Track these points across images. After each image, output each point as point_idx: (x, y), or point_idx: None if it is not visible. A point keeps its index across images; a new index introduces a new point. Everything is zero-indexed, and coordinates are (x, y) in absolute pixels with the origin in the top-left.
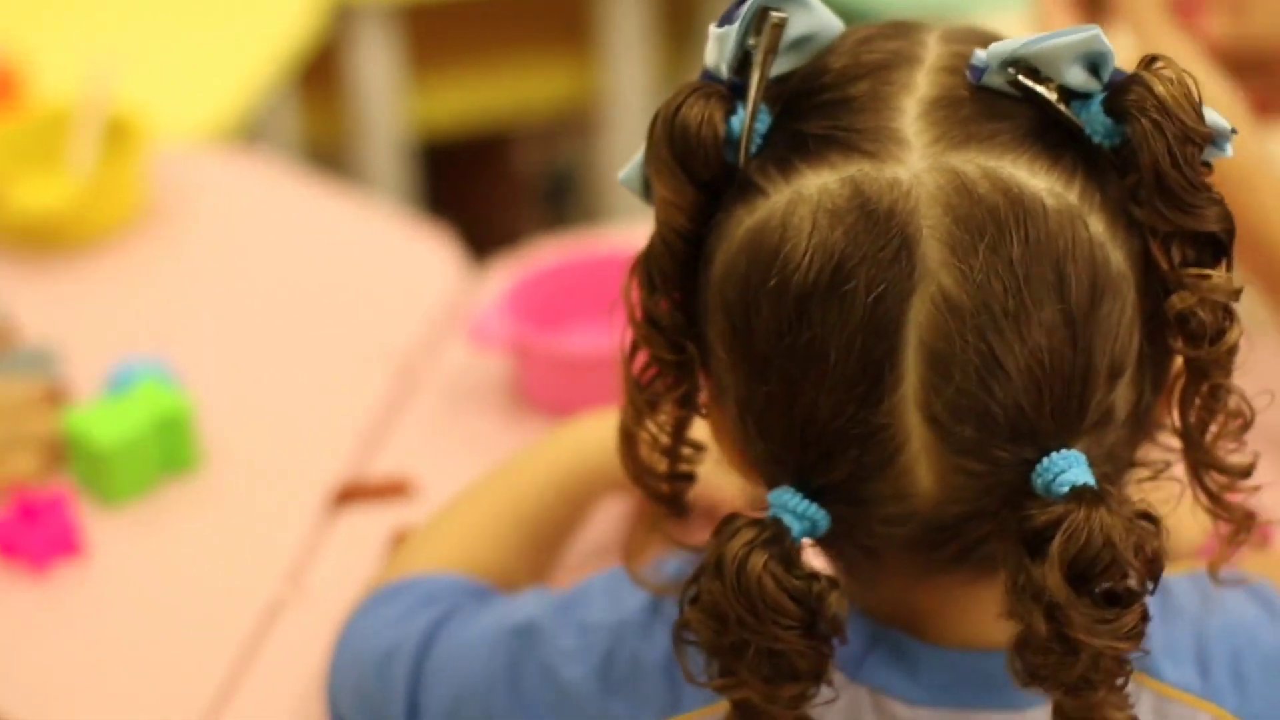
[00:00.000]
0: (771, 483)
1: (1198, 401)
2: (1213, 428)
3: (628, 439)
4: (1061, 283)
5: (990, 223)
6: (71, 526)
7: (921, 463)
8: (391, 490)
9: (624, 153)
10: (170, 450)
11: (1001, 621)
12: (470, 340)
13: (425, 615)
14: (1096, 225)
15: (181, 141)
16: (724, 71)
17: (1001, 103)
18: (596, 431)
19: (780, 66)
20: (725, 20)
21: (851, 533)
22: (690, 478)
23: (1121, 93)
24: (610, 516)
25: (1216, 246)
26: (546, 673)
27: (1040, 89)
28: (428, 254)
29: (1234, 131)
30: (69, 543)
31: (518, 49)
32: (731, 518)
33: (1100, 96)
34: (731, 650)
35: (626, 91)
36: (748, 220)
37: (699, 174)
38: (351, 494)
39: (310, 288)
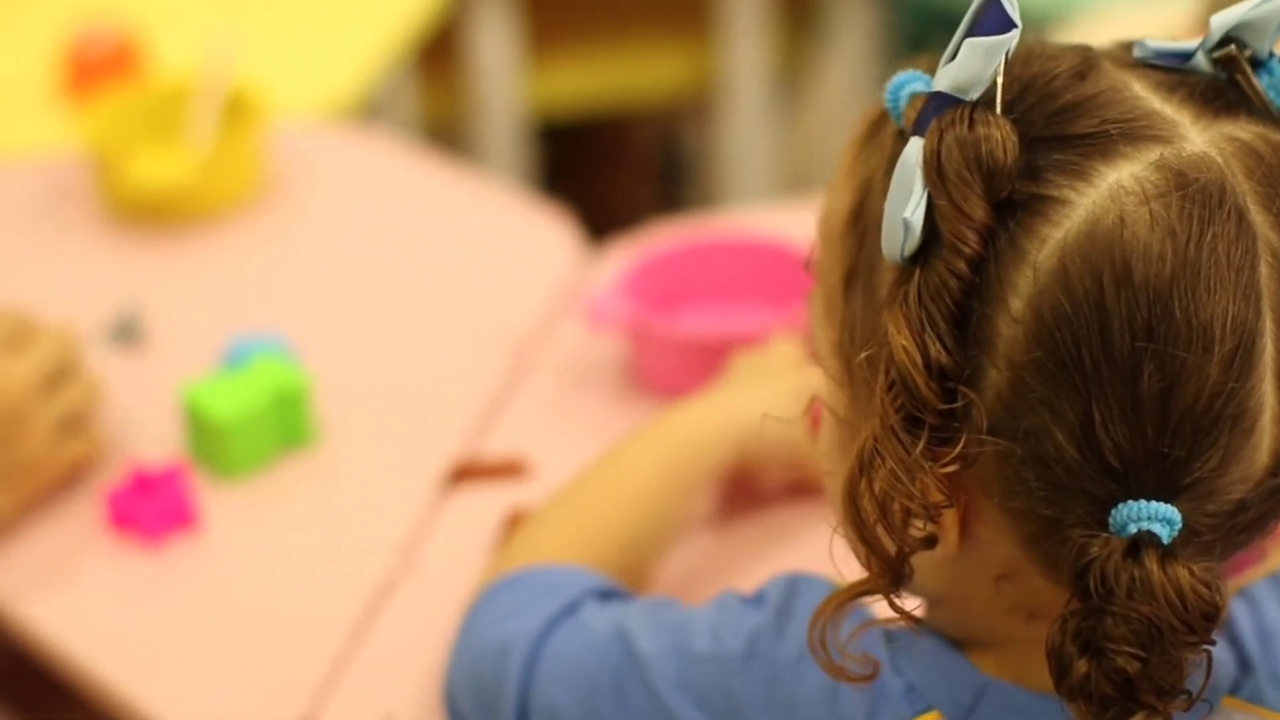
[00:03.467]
0: (1095, 509)
1: None
2: None
3: (882, 500)
4: None
5: None
6: (186, 500)
7: (1268, 435)
8: (506, 470)
9: (742, 136)
10: (286, 425)
11: None
12: (587, 321)
13: (544, 608)
14: None
15: (300, 118)
16: (974, 94)
17: (1200, 78)
18: (704, 415)
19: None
20: (979, 32)
21: (1192, 530)
22: (932, 542)
23: None
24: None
25: None
26: (650, 693)
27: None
28: (545, 234)
29: None
30: (183, 516)
31: (636, 30)
32: (1086, 545)
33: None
34: (1145, 679)
35: (744, 75)
36: (1059, 232)
37: (1000, 190)
38: (466, 473)
39: (427, 266)
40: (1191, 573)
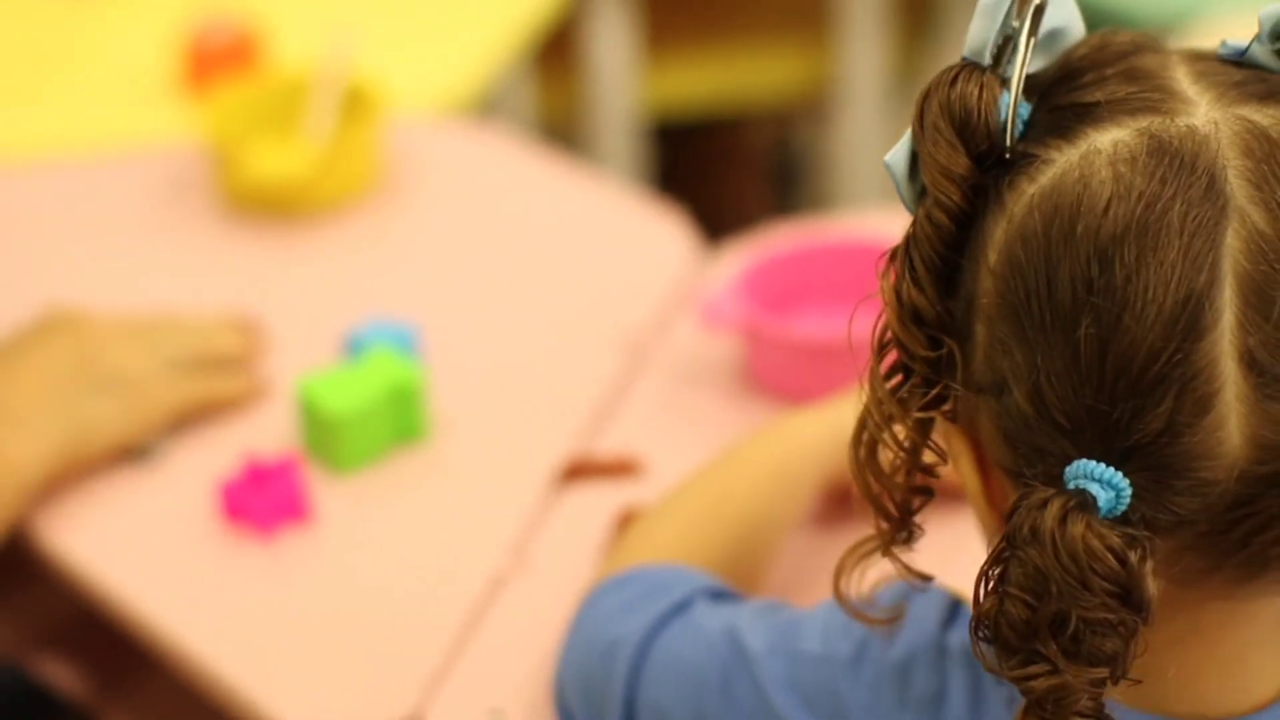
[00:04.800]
0: (1049, 472)
1: None
2: None
3: (869, 446)
4: None
5: None
6: (299, 492)
7: (1234, 415)
8: (619, 469)
9: (857, 139)
10: (401, 420)
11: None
12: (702, 321)
13: (652, 607)
14: None
15: (418, 113)
16: (986, 57)
17: (1258, 72)
18: (817, 424)
19: (1031, 62)
20: None
21: (1146, 509)
22: (929, 493)
23: None
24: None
25: None
26: (758, 692)
27: None
28: (660, 233)
29: None
30: (296, 508)
31: (753, 30)
32: (1027, 493)
33: None
34: (1045, 627)
35: (862, 78)
36: (1032, 187)
37: (977, 144)
38: (579, 471)
39: (542, 263)
40: (1101, 536)
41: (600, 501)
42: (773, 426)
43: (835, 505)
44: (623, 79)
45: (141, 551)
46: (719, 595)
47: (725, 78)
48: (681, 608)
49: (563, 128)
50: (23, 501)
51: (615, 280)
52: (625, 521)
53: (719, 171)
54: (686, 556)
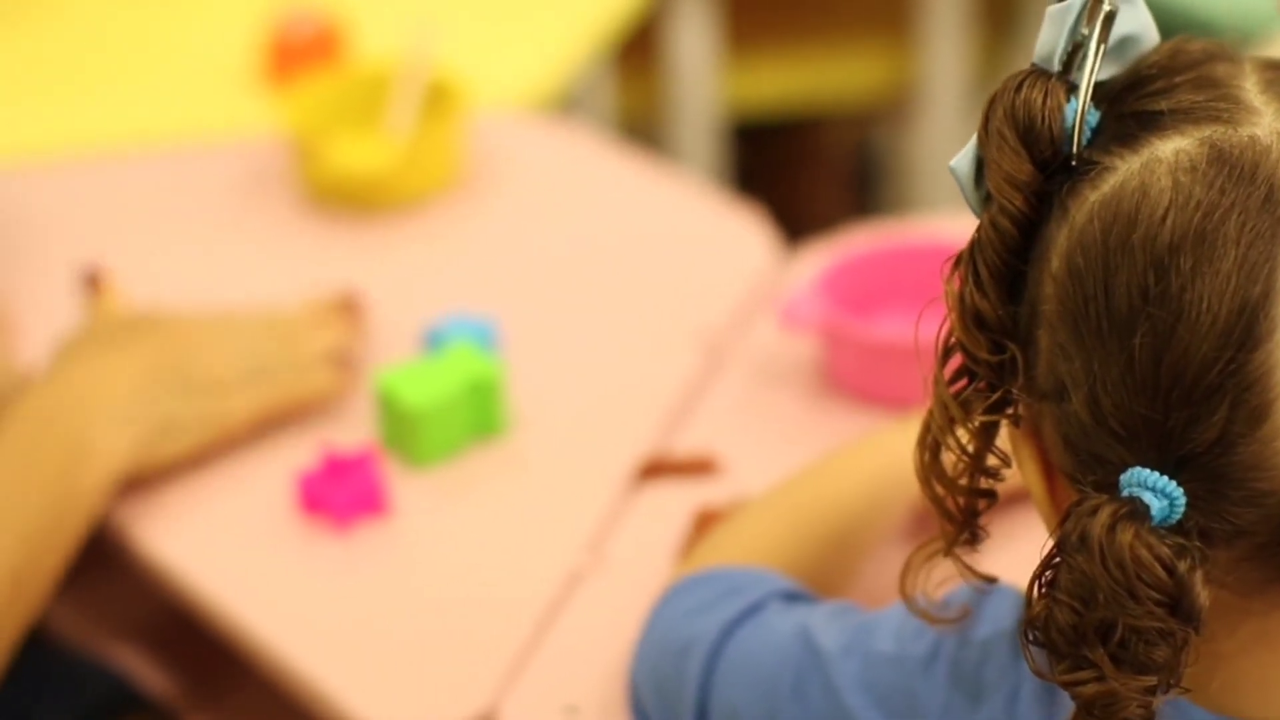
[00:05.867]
0: (1106, 477)
1: None
2: None
3: (932, 449)
4: None
5: None
6: (377, 485)
7: None
8: (696, 467)
9: (938, 142)
10: (479, 414)
11: None
12: (781, 322)
13: (727, 609)
14: None
15: (499, 108)
16: (1055, 63)
17: None
18: (910, 437)
19: (1102, 70)
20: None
21: (1202, 518)
22: (992, 496)
23: None
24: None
25: None
26: (831, 693)
27: None
28: (739, 233)
29: None
30: (374, 501)
31: (835, 31)
32: (1081, 500)
33: None
34: (1093, 634)
35: (943, 81)
36: (1094, 194)
37: (1041, 151)
38: (656, 469)
39: (621, 260)
40: (1150, 545)
41: (677, 500)
42: (868, 437)
43: (926, 520)
44: (704, 77)
45: (219, 543)
46: (793, 597)
47: (806, 78)
48: (755, 609)
49: (643, 125)
50: (106, 495)
51: (694, 279)
52: (702, 521)
53: (799, 172)
54: (767, 560)
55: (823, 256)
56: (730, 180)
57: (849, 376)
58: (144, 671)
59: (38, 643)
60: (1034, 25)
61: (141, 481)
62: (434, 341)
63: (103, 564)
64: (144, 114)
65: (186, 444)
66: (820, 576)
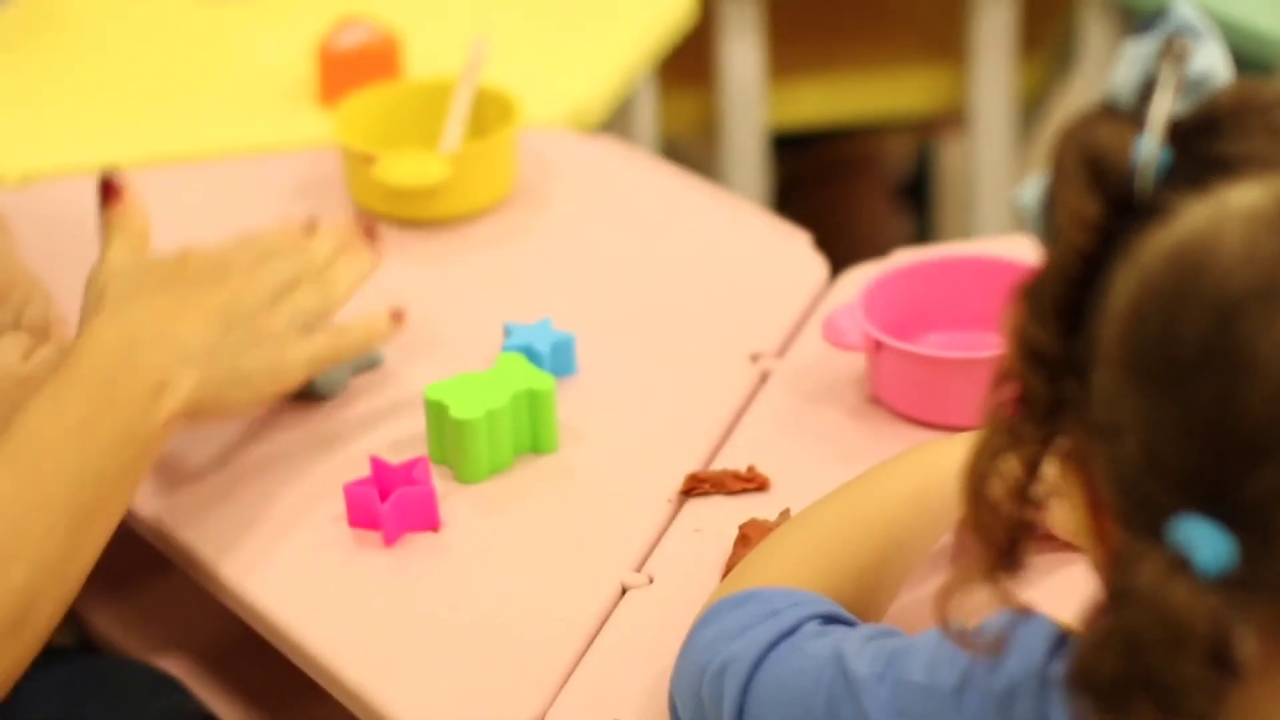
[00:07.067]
0: (1155, 522)
1: None
2: None
3: (978, 476)
4: None
5: None
6: (425, 498)
7: None
8: (741, 483)
9: (987, 161)
10: (528, 428)
11: None
12: (825, 338)
13: (765, 630)
14: None
15: (549, 124)
16: (1127, 101)
17: None
18: (954, 454)
19: (1174, 108)
20: (1139, 37)
21: (1252, 570)
22: (1033, 528)
23: None
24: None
25: None
26: (862, 718)
27: None
28: (786, 250)
29: None
30: (423, 514)
31: (884, 49)
32: (1130, 547)
33: None
34: (1138, 683)
35: (989, 103)
36: (1165, 239)
37: (1110, 189)
38: (703, 484)
39: (670, 277)
40: (1197, 597)
41: (723, 516)
42: (913, 454)
43: (967, 542)
44: (752, 95)
45: (270, 556)
46: (831, 619)
47: (855, 95)
48: (792, 631)
49: (691, 142)
50: (171, 426)
51: (741, 294)
52: (748, 537)
53: (848, 189)
54: (810, 580)
55: (867, 272)
56: (779, 196)
57: (893, 393)
58: (197, 685)
59: (88, 649)
60: (1083, 45)
61: (200, 419)
62: (520, 348)
63: (151, 572)
64: (204, 129)
65: (248, 395)
66: (860, 597)
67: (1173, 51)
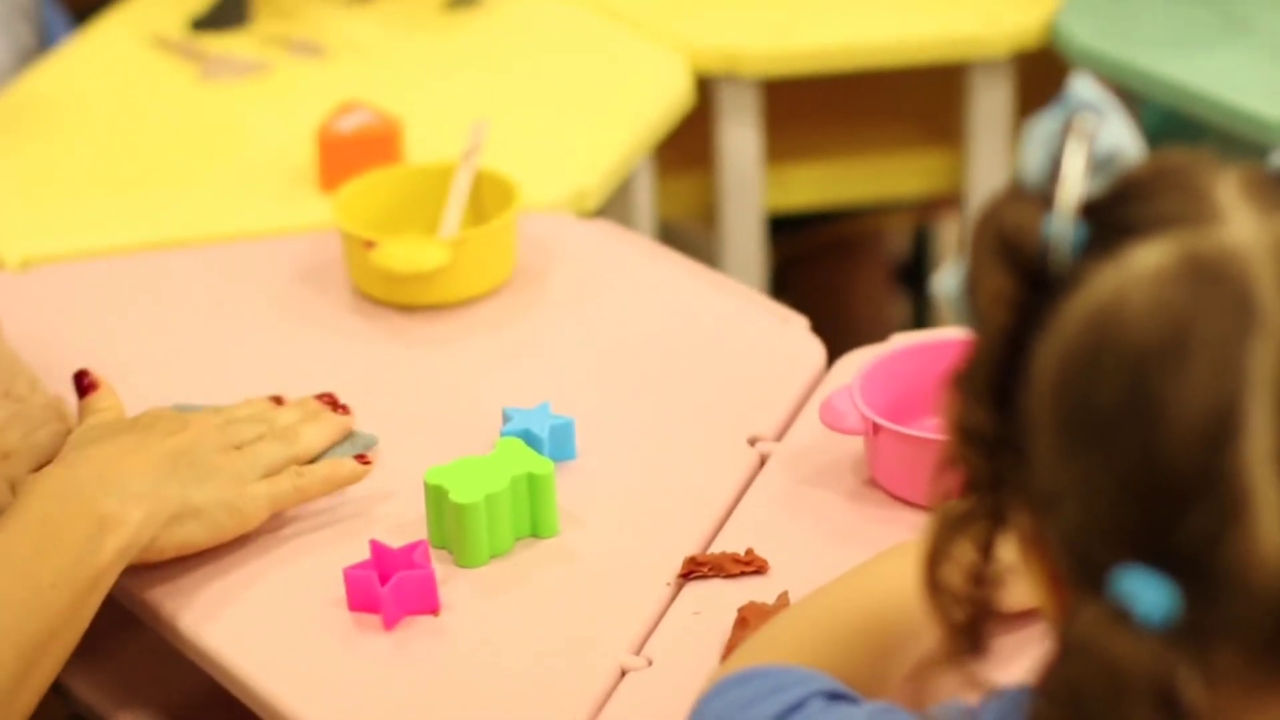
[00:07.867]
0: (1098, 577)
1: None
2: None
3: (933, 562)
4: None
5: None
6: (425, 582)
7: (1273, 522)
8: (740, 566)
9: None
10: (528, 512)
11: None
12: (823, 421)
13: (769, 706)
14: None
15: (548, 208)
16: (1036, 176)
17: None
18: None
19: (1088, 183)
20: (1042, 118)
21: (1195, 616)
22: (992, 609)
23: None
24: None
25: None
26: None
27: None
28: (784, 333)
29: None
30: (423, 598)
31: (880, 133)
32: (1074, 605)
33: None
34: None
35: (987, 185)
36: (1079, 307)
37: (1024, 266)
38: (701, 567)
39: (668, 360)
40: (1137, 646)
41: (722, 599)
42: (914, 541)
43: None
44: (751, 179)
45: (266, 635)
46: (836, 696)
47: (851, 179)
48: (797, 707)
49: (690, 225)
50: (118, 563)
51: (738, 378)
52: (746, 620)
53: (845, 269)
54: (813, 659)
55: (865, 355)
56: (776, 281)
57: (891, 476)
58: None
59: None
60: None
61: (151, 564)
62: (519, 433)
63: (124, 636)
64: (203, 213)
65: (204, 530)
66: (863, 681)
67: (1075, 129)
